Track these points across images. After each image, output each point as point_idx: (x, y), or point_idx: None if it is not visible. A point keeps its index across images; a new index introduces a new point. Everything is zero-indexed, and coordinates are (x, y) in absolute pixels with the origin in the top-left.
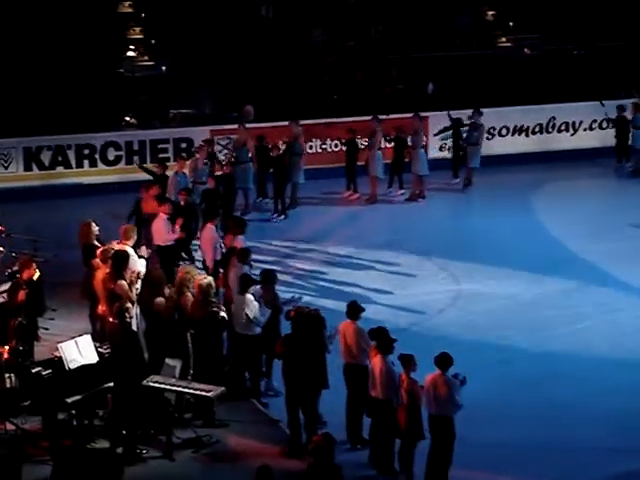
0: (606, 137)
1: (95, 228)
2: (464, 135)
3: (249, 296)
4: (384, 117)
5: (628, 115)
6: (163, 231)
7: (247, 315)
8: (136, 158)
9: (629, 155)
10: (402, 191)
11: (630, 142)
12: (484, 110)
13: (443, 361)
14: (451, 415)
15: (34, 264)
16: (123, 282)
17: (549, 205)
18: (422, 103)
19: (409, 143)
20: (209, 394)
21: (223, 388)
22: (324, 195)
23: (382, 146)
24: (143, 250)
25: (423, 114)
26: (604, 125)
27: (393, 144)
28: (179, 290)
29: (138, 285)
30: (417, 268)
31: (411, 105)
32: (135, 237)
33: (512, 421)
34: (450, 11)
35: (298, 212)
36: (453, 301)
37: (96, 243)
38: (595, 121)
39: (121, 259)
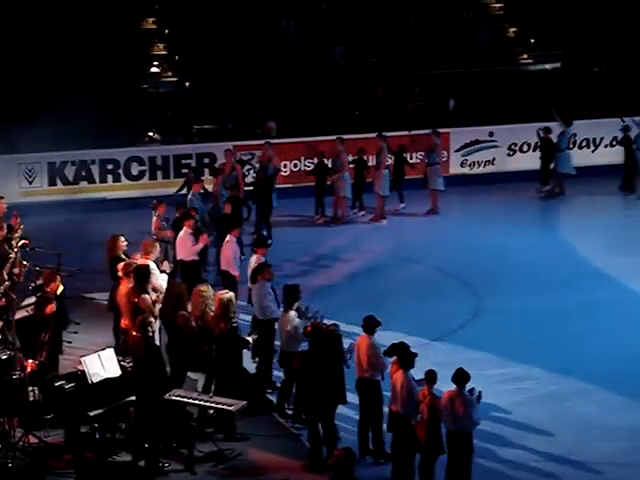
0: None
1: (123, 242)
2: None
3: (292, 313)
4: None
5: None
6: (187, 246)
7: (291, 332)
8: (159, 173)
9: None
10: (363, 212)
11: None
12: (505, 126)
13: (460, 377)
14: (469, 430)
15: (58, 277)
16: (146, 296)
17: (569, 220)
18: (443, 119)
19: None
20: (231, 408)
21: (244, 402)
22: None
23: (387, 163)
24: (165, 265)
25: (444, 130)
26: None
27: (354, 165)
28: (199, 309)
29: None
30: (437, 283)
31: (432, 121)
32: (156, 252)
33: (530, 436)
34: (471, 28)
35: (318, 229)
36: (473, 316)
37: (123, 256)
38: (616, 138)
39: (143, 273)
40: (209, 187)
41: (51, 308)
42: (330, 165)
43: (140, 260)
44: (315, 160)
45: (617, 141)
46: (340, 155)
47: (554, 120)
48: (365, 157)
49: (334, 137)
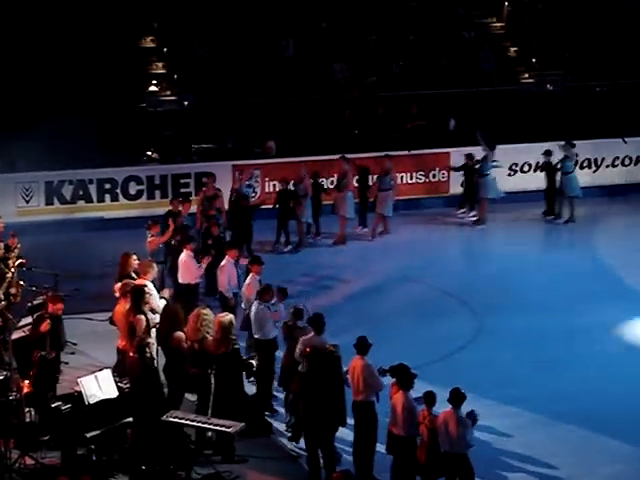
0: (629, 174)
1: (135, 260)
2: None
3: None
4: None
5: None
6: (192, 268)
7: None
8: (157, 192)
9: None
10: (319, 237)
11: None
12: (506, 146)
13: (455, 397)
14: (463, 452)
15: (62, 299)
16: (141, 317)
17: (570, 240)
18: (444, 139)
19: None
20: (229, 430)
21: (243, 424)
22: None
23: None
24: (166, 292)
25: (445, 150)
26: (627, 162)
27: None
28: (197, 332)
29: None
30: (436, 303)
31: (433, 141)
32: (153, 272)
33: (530, 459)
34: (472, 47)
35: (312, 248)
36: (474, 337)
37: (134, 275)
38: (617, 158)
39: (139, 294)
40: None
41: (45, 325)
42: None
43: (137, 280)
44: (279, 186)
45: (540, 166)
46: (346, 174)
47: (483, 144)
48: (320, 180)
49: (335, 156)
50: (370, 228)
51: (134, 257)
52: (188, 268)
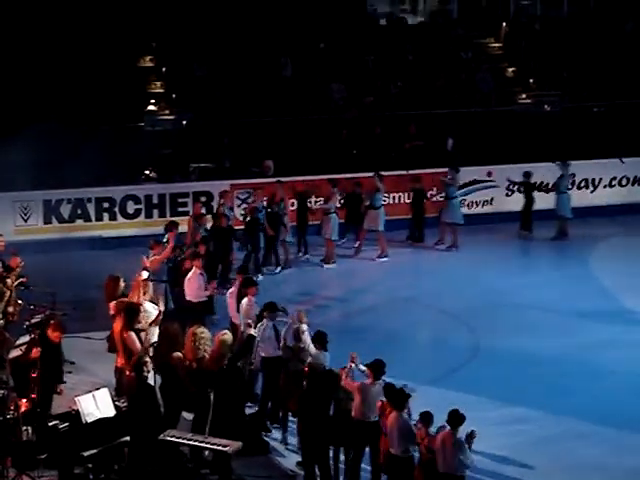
0: (627, 194)
1: (122, 283)
2: None
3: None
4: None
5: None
6: (197, 287)
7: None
8: (155, 212)
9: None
10: (307, 255)
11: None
12: (504, 167)
13: (453, 418)
14: (458, 474)
15: (63, 328)
16: (132, 334)
17: (566, 261)
18: (442, 159)
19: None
20: (226, 449)
21: (240, 443)
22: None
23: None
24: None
25: (443, 170)
26: (624, 182)
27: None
28: (194, 352)
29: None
30: (435, 323)
31: (431, 161)
32: (150, 292)
33: (533, 478)
34: (470, 67)
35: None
36: (472, 356)
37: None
38: (615, 178)
39: (132, 311)
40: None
41: (36, 352)
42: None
43: (134, 299)
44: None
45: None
46: (331, 197)
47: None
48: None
49: (332, 176)
50: (356, 245)
51: (122, 280)
52: (193, 286)
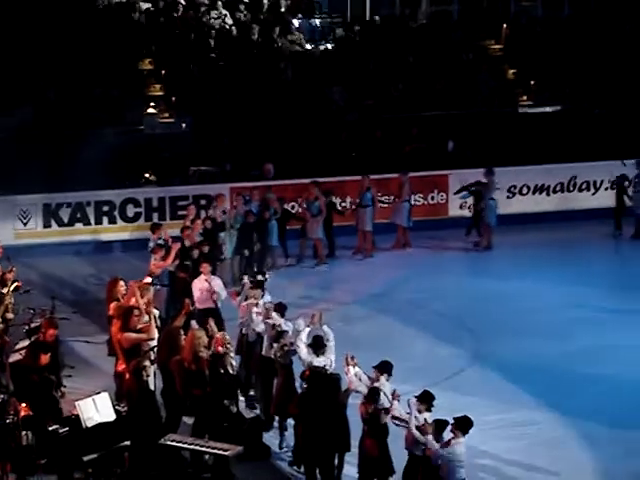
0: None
1: (122, 286)
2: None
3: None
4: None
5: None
6: (201, 293)
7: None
8: (155, 215)
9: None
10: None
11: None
12: (505, 169)
13: (463, 424)
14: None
15: (56, 324)
16: (129, 335)
17: (569, 264)
18: (442, 161)
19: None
20: (226, 453)
21: (241, 447)
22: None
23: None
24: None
25: (444, 172)
26: (626, 184)
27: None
28: (192, 354)
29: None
30: (437, 327)
31: (432, 163)
32: (148, 294)
33: None
34: (471, 69)
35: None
36: (473, 360)
37: (121, 300)
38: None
39: (128, 313)
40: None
41: (45, 358)
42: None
43: (132, 302)
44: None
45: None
46: (319, 198)
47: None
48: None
49: (333, 179)
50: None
51: (121, 283)
52: (201, 291)
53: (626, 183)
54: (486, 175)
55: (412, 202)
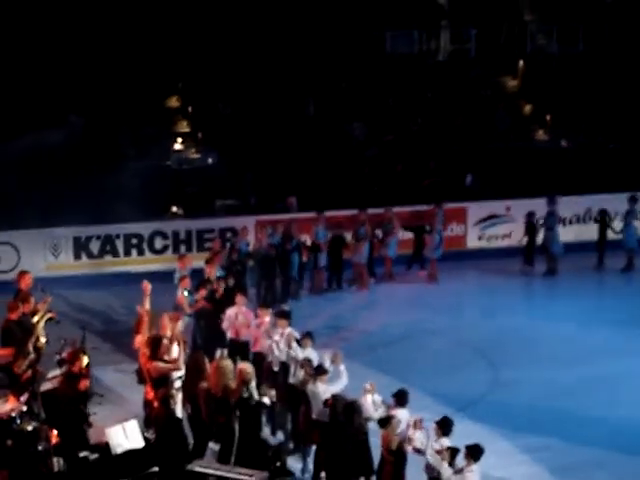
0: None
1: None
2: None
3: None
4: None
5: None
6: (229, 324)
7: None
8: (183, 247)
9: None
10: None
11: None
12: (523, 202)
13: (475, 451)
14: None
15: (83, 354)
16: (158, 364)
17: (585, 294)
18: (461, 194)
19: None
20: (252, 479)
21: (266, 473)
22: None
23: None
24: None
25: (462, 205)
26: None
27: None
28: (218, 383)
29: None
30: (454, 354)
31: (449, 196)
32: (179, 325)
33: None
34: (488, 105)
35: (332, 297)
36: (490, 388)
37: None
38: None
39: (157, 342)
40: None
41: (84, 384)
42: None
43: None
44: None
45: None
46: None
47: None
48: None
49: (355, 211)
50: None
51: (149, 314)
52: (239, 323)
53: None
54: (549, 204)
55: (443, 234)
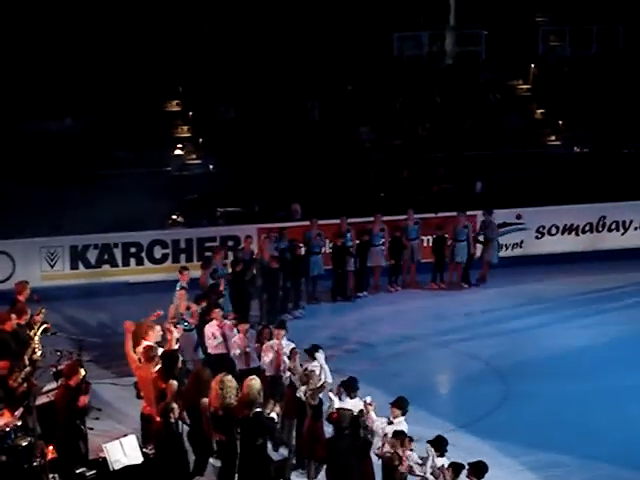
0: None
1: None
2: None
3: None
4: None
5: None
6: (208, 338)
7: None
8: (183, 256)
9: None
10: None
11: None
12: (534, 209)
13: (478, 469)
14: None
15: (80, 368)
16: (174, 382)
17: (598, 304)
18: (470, 201)
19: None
20: None
21: None
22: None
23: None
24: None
25: (471, 213)
26: None
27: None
28: (220, 400)
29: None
30: (465, 367)
31: (459, 203)
32: (155, 335)
33: None
34: (498, 109)
35: (337, 306)
36: (502, 402)
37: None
38: None
39: (171, 360)
40: None
41: (84, 401)
42: None
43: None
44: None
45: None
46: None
47: None
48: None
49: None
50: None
51: (158, 328)
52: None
53: None
54: (485, 215)
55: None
